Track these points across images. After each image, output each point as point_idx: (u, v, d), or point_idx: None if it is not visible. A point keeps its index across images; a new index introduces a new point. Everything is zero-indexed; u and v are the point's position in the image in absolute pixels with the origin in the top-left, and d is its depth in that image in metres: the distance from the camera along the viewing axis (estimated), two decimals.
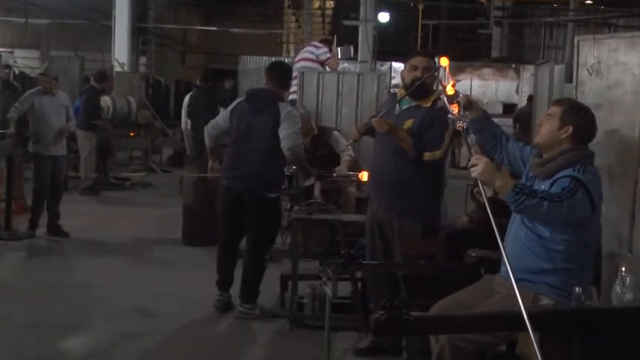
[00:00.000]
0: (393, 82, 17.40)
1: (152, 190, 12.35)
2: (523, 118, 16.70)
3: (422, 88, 4.66)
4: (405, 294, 4.22)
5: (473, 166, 3.33)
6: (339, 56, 12.83)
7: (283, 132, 5.52)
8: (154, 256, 7.61)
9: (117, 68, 15.74)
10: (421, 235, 4.75)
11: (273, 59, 13.03)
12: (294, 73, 10.07)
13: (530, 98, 17.38)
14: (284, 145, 5.51)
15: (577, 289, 3.17)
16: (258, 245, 5.69)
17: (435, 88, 4.81)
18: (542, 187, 3.47)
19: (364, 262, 4.57)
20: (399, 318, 2.91)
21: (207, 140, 5.94)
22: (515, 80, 19.82)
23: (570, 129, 3.50)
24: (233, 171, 5.66)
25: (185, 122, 11.77)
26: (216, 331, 5.44)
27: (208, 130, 5.90)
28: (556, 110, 3.56)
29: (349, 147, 7.36)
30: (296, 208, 5.91)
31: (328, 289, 4.26)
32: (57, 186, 8.24)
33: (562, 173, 3.42)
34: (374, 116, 4.94)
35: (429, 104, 4.72)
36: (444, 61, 4.06)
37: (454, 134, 4.62)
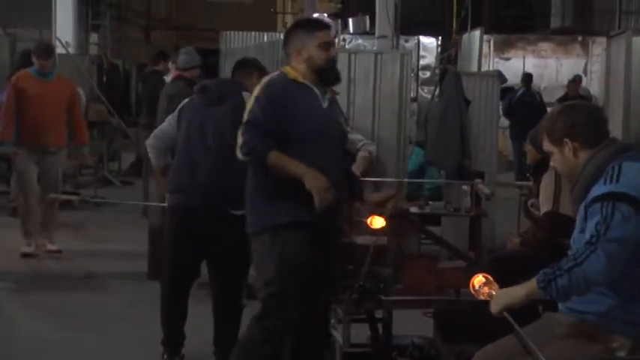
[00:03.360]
0: (422, 62, 17.49)
1: (108, 208, 12.36)
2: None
3: (335, 68, 4.71)
4: (437, 338, 4.24)
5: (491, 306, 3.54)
6: (351, 30, 12.89)
7: None
8: (109, 295, 7.64)
9: (60, 49, 15.79)
10: None
11: (265, 35, 13.06)
12: None
13: (577, 80, 17.31)
14: None
15: None
16: (227, 282, 5.58)
17: None
18: (580, 216, 3.53)
19: (385, 298, 4.59)
20: None
21: (153, 159, 5.86)
22: (583, 57, 19.84)
23: (568, 141, 3.59)
24: (182, 183, 5.54)
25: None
26: None
27: (151, 143, 5.81)
28: (544, 143, 3.70)
29: (370, 141, 7.35)
30: None
31: (339, 334, 4.27)
32: None
33: (593, 193, 3.46)
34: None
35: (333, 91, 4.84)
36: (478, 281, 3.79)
37: None
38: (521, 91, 16.17)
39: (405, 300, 4.80)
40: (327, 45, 4.62)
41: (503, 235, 7.79)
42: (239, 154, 4.52)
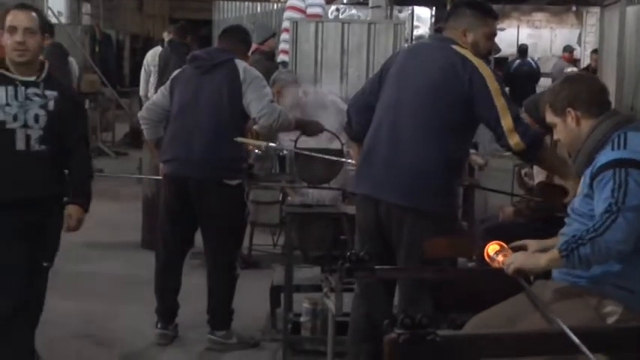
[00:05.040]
0: (416, 32, 17.43)
1: (102, 178, 12.35)
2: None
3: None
4: (430, 307, 4.24)
5: (509, 264, 3.52)
6: (345, 0, 12.79)
7: (254, 105, 5.43)
8: (103, 266, 7.65)
9: (52, 19, 15.72)
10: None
11: (258, 5, 13.01)
12: (285, 24, 10.09)
13: (570, 51, 17.43)
14: (261, 123, 5.47)
15: None
16: (222, 252, 5.60)
17: None
18: (583, 182, 3.55)
19: (377, 266, 4.58)
20: (423, 338, 2.92)
21: (145, 131, 5.85)
22: (577, 27, 19.82)
23: (571, 110, 3.62)
24: (175, 153, 5.53)
25: (145, 88, 11.78)
26: None
27: (143, 115, 5.81)
28: (547, 115, 3.74)
29: None
30: (289, 198, 5.92)
31: (332, 304, 4.27)
32: None
33: (601, 160, 3.46)
34: None
35: None
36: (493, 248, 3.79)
37: None
38: (518, 61, 16.59)
39: (397, 268, 4.78)
40: (493, 36, 4.51)
41: (496, 205, 7.78)
42: (519, 144, 4.22)
